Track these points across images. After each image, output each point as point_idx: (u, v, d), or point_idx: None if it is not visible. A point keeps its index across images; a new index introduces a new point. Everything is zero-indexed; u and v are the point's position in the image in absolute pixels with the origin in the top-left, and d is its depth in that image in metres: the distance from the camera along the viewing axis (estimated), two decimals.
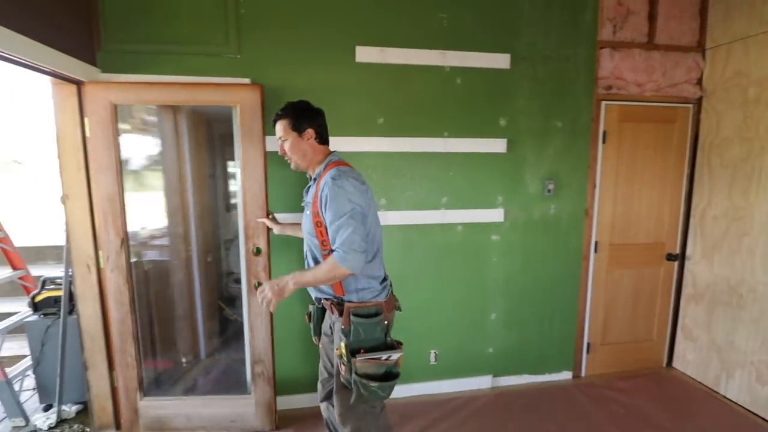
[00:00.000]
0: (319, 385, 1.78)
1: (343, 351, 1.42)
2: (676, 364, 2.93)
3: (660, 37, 2.59)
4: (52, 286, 2.51)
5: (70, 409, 2.38)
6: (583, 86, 2.52)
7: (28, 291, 2.88)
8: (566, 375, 2.80)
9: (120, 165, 2.02)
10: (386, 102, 2.32)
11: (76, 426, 2.28)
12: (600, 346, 2.84)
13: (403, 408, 2.46)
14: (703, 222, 2.71)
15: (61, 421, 2.32)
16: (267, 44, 2.17)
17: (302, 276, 1.45)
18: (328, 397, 1.73)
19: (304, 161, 1.57)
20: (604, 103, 2.59)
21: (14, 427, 2.29)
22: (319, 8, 2.20)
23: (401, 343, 1.52)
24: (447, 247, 2.50)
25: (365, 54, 2.25)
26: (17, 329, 2.63)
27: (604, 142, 2.63)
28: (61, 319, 2.34)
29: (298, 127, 1.53)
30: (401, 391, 2.56)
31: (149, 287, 2.36)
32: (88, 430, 2.25)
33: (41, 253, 3.88)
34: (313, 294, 1.61)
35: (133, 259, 2.15)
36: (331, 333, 1.63)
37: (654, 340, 2.93)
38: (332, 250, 1.43)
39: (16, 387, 2.37)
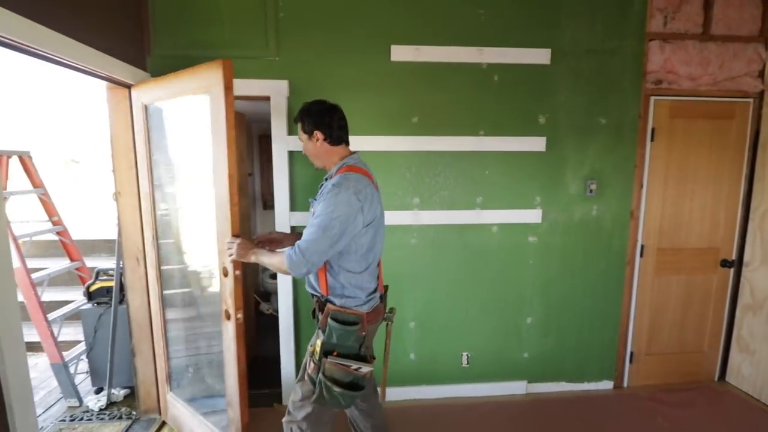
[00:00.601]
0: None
1: (317, 349, 1.44)
2: (729, 378, 2.72)
3: (717, 27, 2.41)
4: (105, 277, 2.68)
5: (119, 393, 2.54)
6: (630, 81, 2.39)
7: (83, 281, 3.10)
8: (607, 384, 2.67)
9: (150, 163, 2.11)
10: (421, 100, 2.31)
11: (123, 409, 2.43)
12: (644, 356, 2.69)
13: (433, 409, 2.44)
14: (763, 226, 2.51)
15: (110, 404, 2.48)
16: (304, 46, 2.22)
17: (262, 255, 1.54)
18: None
19: (319, 162, 1.58)
20: (653, 98, 2.45)
21: (69, 407, 2.47)
22: (355, 9, 2.22)
23: (374, 358, 1.53)
24: (481, 247, 2.45)
25: (400, 53, 2.25)
26: (73, 316, 2.84)
27: (652, 139, 2.48)
28: (112, 308, 2.50)
29: (307, 130, 1.53)
30: (431, 392, 2.54)
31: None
32: (134, 413, 2.39)
33: (95, 246, 4.15)
34: (308, 289, 1.61)
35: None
36: None
37: (705, 352, 2.74)
38: (336, 255, 1.45)
39: (72, 370, 2.56)
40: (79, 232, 4.08)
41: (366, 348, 1.51)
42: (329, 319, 1.45)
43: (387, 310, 1.68)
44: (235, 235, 1.64)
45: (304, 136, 1.54)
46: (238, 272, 1.69)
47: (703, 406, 2.47)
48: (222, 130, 1.64)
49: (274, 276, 3.61)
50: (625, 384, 2.70)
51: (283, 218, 2.32)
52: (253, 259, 1.56)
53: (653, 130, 2.47)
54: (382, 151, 2.32)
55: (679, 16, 2.38)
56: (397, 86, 2.28)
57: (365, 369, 1.43)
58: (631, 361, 2.68)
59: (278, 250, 1.56)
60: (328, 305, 1.47)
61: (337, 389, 1.39)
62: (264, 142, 4.29)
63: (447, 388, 2.55)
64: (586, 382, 2.66)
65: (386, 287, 1.71)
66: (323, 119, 1.51)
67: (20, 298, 1.60)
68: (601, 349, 2.63)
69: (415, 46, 2.24)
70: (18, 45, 1.34)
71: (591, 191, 2.45)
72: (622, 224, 2.52)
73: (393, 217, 2.37)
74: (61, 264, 3.09)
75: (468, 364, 2.56)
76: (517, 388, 2.60)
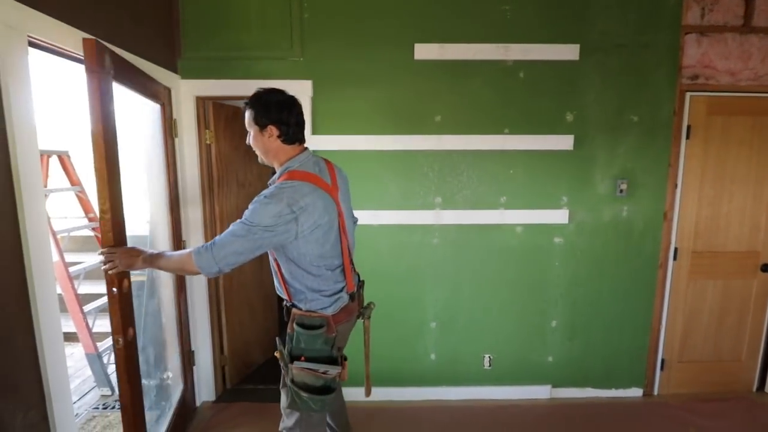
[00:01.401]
0: None
1: (284, 355, 1.38)
2: None
3: (759, 19, 2.27)
4: (138, 272, 2.78)
5: (150, 383, 2.63)
6: (664, 76, 2.29)
7: None
8: (636, 392, 2.57)
9: (173, 165, 2.17)
10: (444, 99, 2.28)
11: (154, 399, 2.51)
12: (676, 364, 2.58)
13: (454, 411, 2.42)
14: None
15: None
16: (327, 46, 2.23)
17: (156, 258, 1.36)
18: None
19: (266, 157, 1.44)
20: (688, 94, 2.34)
21: (102, 396, 2.58)
22: (379, 9, 2.21)
23: (346, 359, 1.43)
24: (505, 248, 2.41)
25: (424, 51, 2.23)
26: (107, 308, 2.96)
27: (687, 137, 2.37)
28: (143, 302, 2.59)
29: (260, 123, 1.36)
30: (451, 393, 2.51)
31: (219, 278, 2.53)
32: (164, 403, 2.47)
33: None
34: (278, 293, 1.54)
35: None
36: None
37: (743, 361, 2.60)
38: (286, 261, 1.38)
39: (105, 360, 2.68)
40: None
41: (338, 348, 1.45)
42: (295, 325, 1.38)
43: (363, 306, 1.61)
44: (109, 246, 1.38)
45: (255, 128, 1.38)
46: (114, 289, 1.42)
47: (740, 418, 2.34)
48: (96, 122, 1.34)
49: None
50: (656, 392, 2.59)
51: None
52: (141, 265, 1.35)
53: (689, 127, 2.36)
54: (405, 150, 2.31)
55: (717, 8, 2.27)
56: (420, 85, 2.27)
57: (333, 371, 1.34)
58: (662, 368, 2.57)
59: (175, 251, 1.40)
60: (294, 310, 1.42)
61: (305, 394, 1.31)
62: None
63: (468, 389, 2.52)
64: (614, 388, 2.57)
65: (362, 283, 1.62)
66: (281, 114, 1.36)
67: (58, 290, 1.68)
68: (630, 355, 2.54)
69: (438, 44, 2.22)
70: (62, 51, 1.41)
71: (621, 191, 2.36)
72: (655, 226, 2.42)
73: (414, 217, 2.36)
74: (97, 258, 3.23)
75: (490, 366, 2.52)
76: (540, 392, 2.54)
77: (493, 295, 2.45)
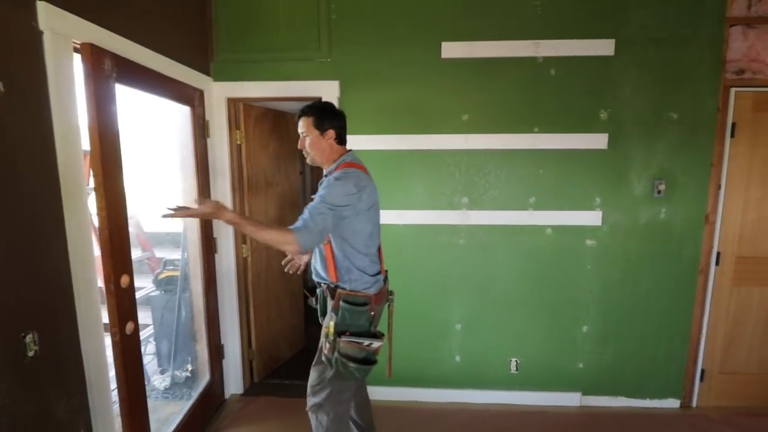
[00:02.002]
0: None
1: (331, 330, 1.52)
2: None
3: None
4: (171, 267, 2.90)
5: (181, 375, 2.73)
6: (706, 71, 2.17)
7: (152, 270, 3.38)
8: (673, 403, 2.45)
9: (203, 165, 2.25)
10: (472, 98, 2.25)
11: (185, 390, 2.61)
12: (718, 375, 2.44)
13: (477, 414, 2.38)
14: None
15: (173, 384, 2.68)
16: (354, 47, 2.25)
17: (242, 220, 1.44)
18: None
19: (321, 157, 1.63)
20: (733, 89, 2.20)
21: None
22: (405, 8, 2.21)
23: (383, 335, 1.60)
24: (534, 250, 2.35)
25: (451, 50, 2.21)
26: (143, 302, 3.10)
27: (732, 135, 2.24)
28: (177, 296, 2.70)
29: (320, 126, 1.59)
30: (476, 396, 2.48)
31: (247, 274, 2.60)
32: (194, 394, 2.56)
33: (161, 239, 4.51)
34: (315, 279, 1.70)
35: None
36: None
37: None
38: (341, 244, 1.53)
39: (141, 351, 2.79)
40: (150, 225, 4.45)
41: (374, 326, 1.62)
42: (341, 302, 1.54)
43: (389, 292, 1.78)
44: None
45: (315, 132, 1.59)
46: (112, 286, 1.47)
47: None
48: (92, 122, 1.38)
49: None
50: (695, 404, 2.46)
51: None
52: (229, 217, 1.40)
53: (733, 125, 2.23)
54: (431, 149, 2.29)
55: None
56: (447, 83, 2.25)
57: (376, 344, 1.53)
58: (701, 379, 2.44)
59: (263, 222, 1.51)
60: (339, 290, 1.56)
61: (352, 365, 1.49)
62: None
63: (493, 393, 2.48)
64: (648, 398, 2.46)
65: (386, 271, 1.78)
66: (338, 120, 1.63)
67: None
68: (667, 364, 2.42)
69: (466, 42, 2.19)
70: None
71: (659, 192, 2.26)
72: (695, 229, 2.30)
73: (440, 217, 2.34)
74: (134, 254, 3.38)
75: (517, 370, 2.46)
76: (570, 399, 2.46)
77: (521, 298, 2.40)
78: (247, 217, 1.50)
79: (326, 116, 1.61)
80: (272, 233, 1.43)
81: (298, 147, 1.67)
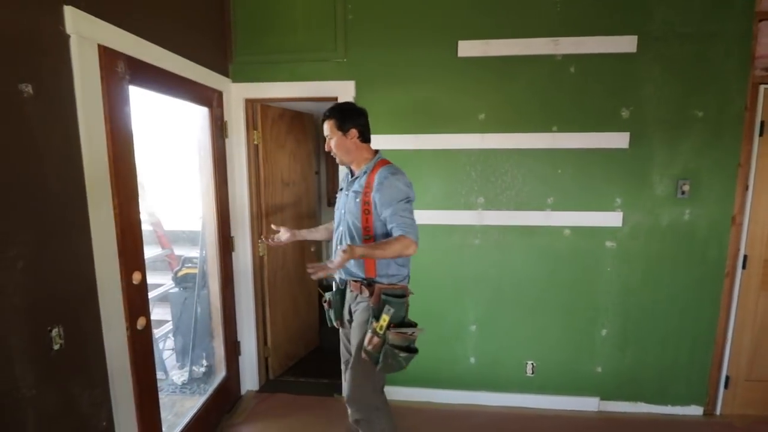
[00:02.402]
0: (343, 366, 1.92)
1: (384, 323, 1.55)
2: None
3: None
4: (190, 264, 2.96)
5: (199, 370, 2.79)
6: (733, 68, 2.10)
7: (172, 267, 3.45)
8: (695, 410, 2.38)
9: (221, 165, 2.28)
10: (488, 96, 2.23)
11: (202, 385, 2.66)
12: (743, 382, 2.35)
13: (492, 417, 2.35)
14: None
15: (191, 380, 2.73)
16: (370, 47, 2.25)
17: (369, 250, 1.50)
18: None
19: (348, 157, 1.71)
20: (762, 87, 2.12)
21: (157, 379, 2.76)
22: (422, 7, 2.20)
23: (417, 323, 1.65)
24: (551, 251, 2.31)
25: (468, 48, 2.19)
26: (163, 298, 3.18)
27: (761, 134, 2.15)
28: (195, 293, 2.75)
29: (342, 127, 1.66)
30: (491, 398, 2.45)
31: (263, 272, 2.63)
32: (209, 389, 2.61)
33: (177, 237, 4.61)
34: (341, 276, 1.75)
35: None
36: (350, 315, 1.75)
37: None
38: (385, 233, 1.61)
39: (160, 346, 2.86)
40: (169, 223, 4.55)
41: (408, 317, 1.67)
42: (383, 296, 1.60)
43: None
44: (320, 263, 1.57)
45: (338, 133, 1.67)
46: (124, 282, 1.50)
47: None
48: (106, 122, 1.40)
49: None
50: (718, 411, 2.38)
51: None
52: (357, 256, 1.48)
53: (762, 123, 2.14)
54: (446, 149, 2.28)
55: None
56: (464, 82, 2.23)
57: (417, 332, 1.59)
58: (726, 386, 2.36)
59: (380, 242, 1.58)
60: (377, 285, 1.62)
61: (402, 354, 1.55)
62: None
63: (509, 396, 2.45)
64: (670, 405, 2.39)
65: None
66: (359, 119, 1.69)
67: None
68: (690, 370, 2.35)
69: (483, 41, 2.17)
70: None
71: (683, 193, 2.19)
72: (721, 231, 2.22)
73: (455, 217, 2.32)
74: (155, 251, 3.46)
75: (533, 373, 2.43)
76: (587, 404, 2.41)
77: (538, 300, 2.36)
78: (371, 246, 1.54)
79: (347, 116, 1.67)
80: (396, 247, 1.51)
81: (326, 149, 1.73)
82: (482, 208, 2.31)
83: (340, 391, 2.56)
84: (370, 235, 1.64)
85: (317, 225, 3.96)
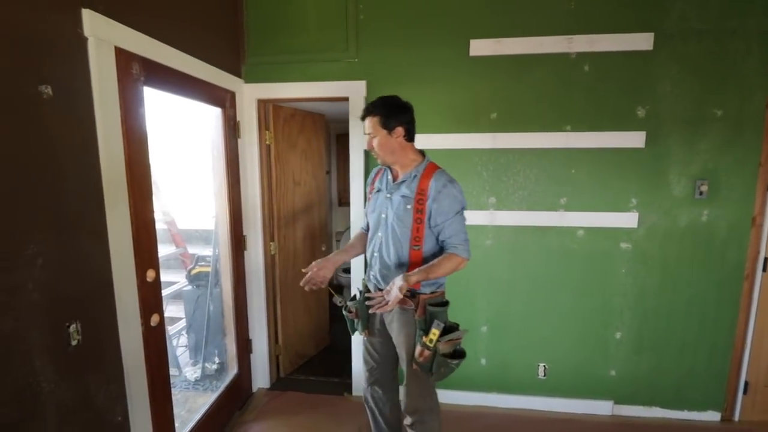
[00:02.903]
0: (366, 373, 1.83)
1: (434, 337, 1.48)
2: None
3: None
4: (203, 263, 3.00)
5: (211, 367, 2.83)
6: (754, 65, 2.04)
7: (185, 265, 3.51)
8: (713, 416, 2.32)
9: (233, 165, 2.32)
10: (501, 95, 2.21)
11: (215, 382, 2.70)
12: (763, 388, 2.29)
13: (503, 419, 2.33)
14: None
15: (203, 376, 2.77)
16: (381, 46, 2.25)
17: (423, 275, 1.46)
18: (376, 383, 1.81)
19: (392, 158, 1.58)
20: None
21: (170, 375, 2.81)
22: (433, 6, 2.19)
23: (458, 324, 1.57)
24: (564, 252, 2.28)
25: (480, 47, 2.17)
26: (176, 296, 3.22)
27: None
28: (208, 291, 2.79)
29: (388, 125, 1.53)
30: (502, 400, 2.43)
31: (275, 271, 2.65)
32: (221, 386, 2.64)
33: (191, 236, 4.67)
34: (378, 285, 1.64)
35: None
36: (381, 326, 1.70)
37: None
38: (439, 247, 1.56)
39: (174, 343, 2.91)
40: (183, 222, 4.62)
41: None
42: (428, 306, 1.51)
43: None
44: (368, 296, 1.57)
45: (382, 132, 1.53)
46: (137, 280, 1.52)
47: None
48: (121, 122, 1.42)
49: (347, 270, 3.75)
50: (737, 417, 2.32)
51: (357, 215, 2.39)
52: (416, 279, 1.45)
53: None
54: (457, 148, 2.26)
55: None
56: (475, 82, 2.21)
57: (463, 334, 1.52)
58: (745, 391, 2.30)
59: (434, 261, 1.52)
60: (421, 296, 1.54)
61: (455, 361, 1.49)
62: (341, 141, 4.46)
63: (520, 398, 2.42)
64: (686, 410, 2.34)
65: None
66: (406, 115, 1.55)
67: None
68: (707, 375, 2.29)
69: (495, 39, 2.15)
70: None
71: (701, 193, 2.14)
72: (741, 232, 2.16)
73: (467, 217, 2.30)
74: (169, 250, 3.52)
75: (545, 375, 2.40)
76: (601, 407, 2.37)
77: (550, 302, 2.33)
78: (425, 270, 1.47)
79: (392, 113, 1.54)
80: (448, 267, 1.50)
81: (366, 148, 1.62)
82: (494, 208, 2.29)
83: (350, 390, 2.57)
84: (419, 246, 1.55)
85: (329, 223, 3.97)
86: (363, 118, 1.59)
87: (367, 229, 1.79)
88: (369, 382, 1.83)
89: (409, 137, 1.58)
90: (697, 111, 2.10)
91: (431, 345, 1.47)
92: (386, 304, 1.46)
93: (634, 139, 2.13)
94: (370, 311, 1.53)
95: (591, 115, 2.16)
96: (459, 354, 1.53)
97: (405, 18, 2.22)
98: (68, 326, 1.24)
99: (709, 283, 2.21)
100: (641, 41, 2.07)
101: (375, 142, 1.56)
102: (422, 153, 1.64)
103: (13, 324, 1.08)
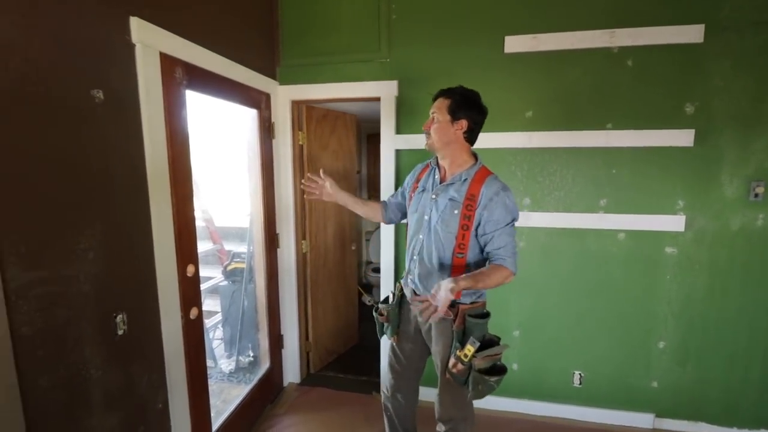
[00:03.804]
0: (391, 379, 1.76)
1: (470, 352, 1.41)
2: None
3: None
4: (238, 259, 3.10)
5: (245, 360, 2.92)
6: None
7: (222, 261, 3.64)
8: None
9: (268, 165, 2.37)
10: (536, 93, 2.14)
11: (248, 375, 2.78)
12: None
13: (536, 426, 2.26)
14: None
15: (237, 369, 2.86)
16: (414, 46, 2.24)
17: (472, 282, 1.34)
18: (399, 391, 1.76)
19: (443, 148, 1.50)
20: None
21: (207, 367, 2.92)
22: (467, 3, 2.15)
23: (500, 338, 1.51)
24: (603, 256, 2.18)
25: (515, 44, 2.11)
26: (213, 290, 3.35)
27: None
28: (242, 287, 2.88)
29: (455, 113, 1.46)
30: (535, 407, 2.36)
31: (306, 269, 2.70)
32: (254, 378, 2.72)
33: (227, 233, 4.83)
34: (418, 290, 1.58)
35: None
36: (414, 333, 1.65)
37: None
38: (483, 257, 1.49)
39: (210, 335, 3.02)
40: (220, 220, 4.79)
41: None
42: (468, 317, 1.45)
43: None
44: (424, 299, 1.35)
45: (446, 117, 1.46)
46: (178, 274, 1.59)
47: None
48: (165, 124, 1.48)
49: (377, 270, 3.77)
50: None
51: None
52: (459, 291, 1.34)
53: None
54: (491, 147, 2.22)
55: None
56: (510, 79, 2.16)
57: (504, 349, 1.45)
58: None
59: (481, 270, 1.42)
60: (461, 306, 1.47)
61: (493, 379, 1.40)
62: (371, 141, 4.48)
63: (554, 406, 2.34)
64: (736, 427, 2.18)
65: None
66: (478, 115, 1.48)
67: None
68: (761, 390, 2.13)
69: (531, 35, 2.09)
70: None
71: (757, 195, 1.99)
72: None
73: None
74: (207, 246, 3.67)
75: (581, 384, 2.31)
76: (641, 420, 2.26)
77: (587, 307, 2.24)
78: (474, 278, 1.36)
79: (464, 103, 1.46)
80: (496, 278, 1.39)
81: (423, 128, 1.54)
82: (528, 209, 2.23)
83: (378, 390, 2.57)
84: (463, 254, 1.46)
85: (359, 223, 3.99)
86: (435, 98, 1.53)
87: (387, 206, 1.82)
88: (392, 390, 1.77)
89: (470, 137, 1.50)
90: (752, 108, 1.95)
91: (466, 360, 1.42)
92: (435, 310, 1.30)
93: (682, 138, 2.01)
94: (421, 320, 1.45)
95: (634, 113, 2.06)
96: (498, 370, 1.43)
97: (437, 16, 2.19)
98: (115, 317, 1.31)
99: (763, 291, 2.05)
100: (691, 34, 1.94)
101: (434, 126, 1.49)
102: (476, 157, 1.56)
103: (66, 313, 1.15)
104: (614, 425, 2.27)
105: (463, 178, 1.49)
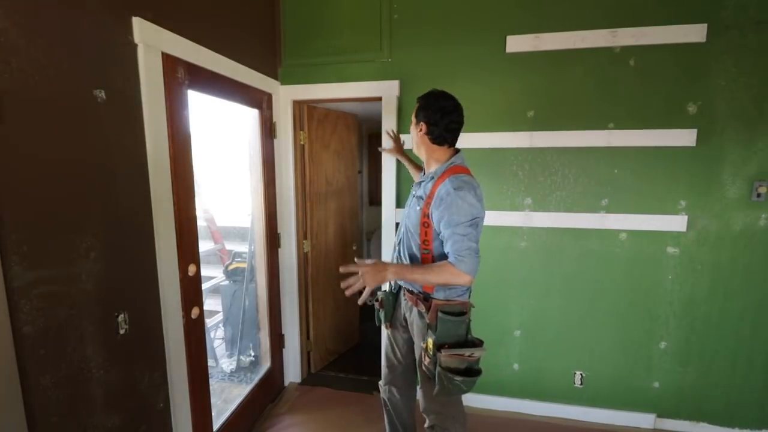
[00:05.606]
0: (385, 369, 1.80)
1: (430, 346, 1.44)
2: None
3: None
4: (240, 259, 3.11)
5: (246, 359, 2.92)
6: None
7: (223, 261, 3.64)
8: None
9: (269, 164, 2.38)
10: (538, 93, 2.14)
11: (249, 375, 2.79)
12: None
13: (537, 427, 2.26)
14: None
15: (238, 369, 2.87)
16: (415, 45, 2.23)
17: (407, 271, 1.43)
18: (393, 382, 1.78)
19: (416, 150, 1.60)
20: None
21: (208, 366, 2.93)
22: (468, 3, 2.15)
23: (482, 341, 1.48)
24: (605, 256, 2.18)
25: (517, 43, 2.11)
26: (214, 290, 3.36)
27: None
28: (243, 286, 2.88)
29: (417, 114, 1.53)
30: (536, 408, 2.36)
31: (307, 269, 2.70)
32: (255, 378, 2.72)
33: (229, 233, 4.84)
34: (403, 285, 1.63)
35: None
36: (406, 324, 1.68)
37: None
38: (443, 255, 1.45)
39: (211, 335, 3.03)
40: (221, 219, 4.80)
41: (471, 334, 1.50)
42: (439, 313, 1.45)
43: None
44: (354, 265, 1.46)
45: (413, 120, 1.56)
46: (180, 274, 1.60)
47: None
48: (168, 124, 1.50)
49: None
50: None
51: (389, 214, 2.39)
52: (391, 278, 1.44)
53: None
54: (492, 148, 2.22)
55: None
56: (511, 79, 2.15)
57: (478, 353, 1.43)
58: None
59: (422, 265, 1.47)
60: (434, 301, 1.48)
61: (457, 378, 1.40)
62: (373, 140, 4.48)
63: (555, 407, 2.34)
64: (738, 428, 2.17)
65: None
66: (434, 116, 1.48)
67: None
68: (763, 391, 2.12)
69: (533, 35, 2.09)
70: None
71: (759, 195, 1.98)
72: None
73: (501, 218, 2.25)
74: (208, 246, 3.67)
75: (581, 384, 2.30)
76: (642, 420, 2.25)
77: (588, 307, 2.24)
78: (409, 268, 1.45)
79: (424, 106, 1.51)
80: (442, 275, 1.39)
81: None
82: (530, 209, 2.23)
83: (378, 389, 2.57)
84: (429, 250, 1.49)
85: (359, 223, 4.00)
86: None
87: None
88: (387, 380, 1.81)
89: (434, 137, 1.49)
90: (756, 107, 1.94)
91: (430, 353, 1.45)
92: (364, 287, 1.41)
93: (684, 137, 2.00)
94: (347, 293, 1.45)
95: (636, 112, 2.05)
96: (470, 372, 1.42)
97: (439, 17, 2.19)
98: (117, 316, 1.31)
99: (765, 291, 2.05)
100: (693, 33, 1.94)
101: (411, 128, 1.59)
102: (456, 154, 1.55)
103: (68, 312, 1.16)
104: (615, 425, 2.26)
105: (431, 177, 1.53)
